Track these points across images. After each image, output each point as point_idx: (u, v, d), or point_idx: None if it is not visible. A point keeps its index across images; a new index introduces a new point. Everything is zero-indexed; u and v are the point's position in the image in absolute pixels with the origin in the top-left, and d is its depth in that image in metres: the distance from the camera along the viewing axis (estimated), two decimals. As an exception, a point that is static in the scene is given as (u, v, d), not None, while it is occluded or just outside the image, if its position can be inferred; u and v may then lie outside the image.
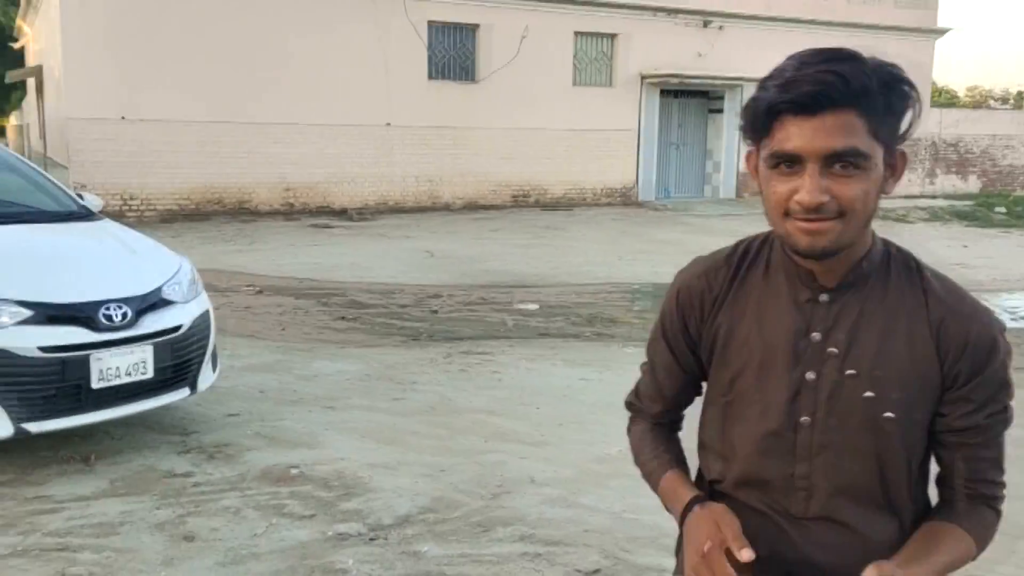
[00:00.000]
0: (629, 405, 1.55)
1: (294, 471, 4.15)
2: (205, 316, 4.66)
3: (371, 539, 3.45)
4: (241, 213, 15.74)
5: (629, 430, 1.54)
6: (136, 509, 3.64)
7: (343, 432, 4.76)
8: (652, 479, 1.44)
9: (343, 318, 7.93)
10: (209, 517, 3.59)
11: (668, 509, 1.41)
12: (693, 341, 1.39)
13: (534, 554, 3.36)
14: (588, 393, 5.70)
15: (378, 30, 16.52)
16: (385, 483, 4.03)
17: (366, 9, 16.37)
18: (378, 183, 17.11)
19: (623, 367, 6.33)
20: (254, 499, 3.80)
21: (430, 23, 17.14)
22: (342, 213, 16.37)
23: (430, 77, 17.40)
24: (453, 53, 17.77)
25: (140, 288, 4.28)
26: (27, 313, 3.82)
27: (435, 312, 8.29)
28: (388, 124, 16.94)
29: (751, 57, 19.07)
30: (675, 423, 1.52)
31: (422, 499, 3.87)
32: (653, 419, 1.50)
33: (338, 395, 5.47)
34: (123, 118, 14.41)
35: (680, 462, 1.45)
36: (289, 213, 16.16)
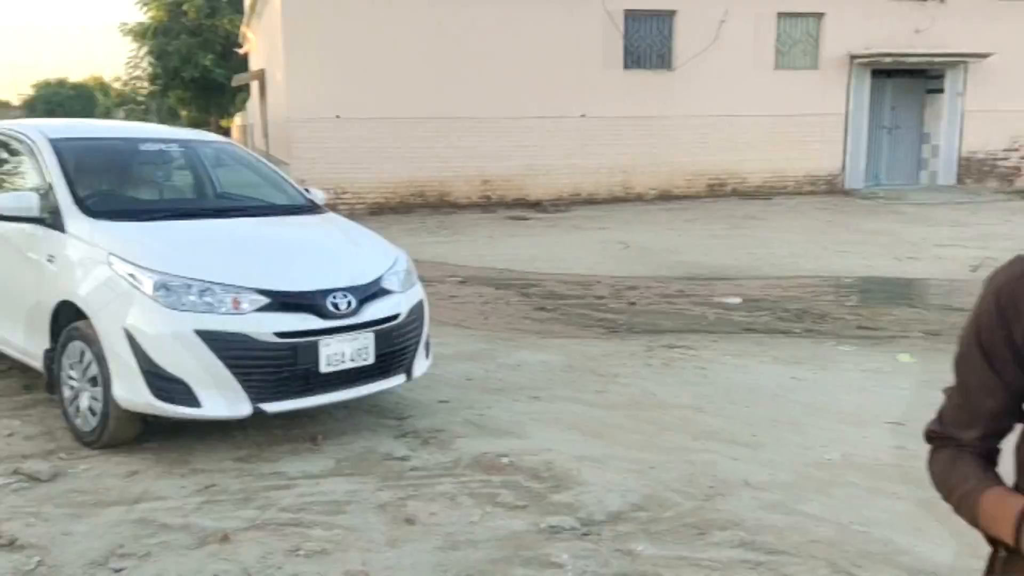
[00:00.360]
0: (931, 435, 1.36)
1: (504, 460, 4.19)
2: (420, 306, 4.82)
3: (584, 534, 3.42)
4: (442, 206, 16.31)
5: (930, 461, 1.35)
6: (360, 489, 3.80)
7: (549, 423, 4.77)
8: (968, 500, 1.25)
9: (543, 308, 7.99)
10: (427, 501, 3.69)
11: (987, 528, 1.23)
12: (1021, 352, 1.21)
13: (755, 562, 3.19)
14: (801, 393, 5.40)
15: (574, 21, 16.55)
16: (594, 477, 3.99)
17: (562, 1, 16.44)
18: (572, 174, 17.17)
19: (838, 366, 5.96)
20: (468, 486, 3.88)
21: (626, 12, 16.96)
22: (537, 205, 16.57)
23: (625, 67, 17.24)
24: (649, 41, 17.49)
25: (362, 278, 4.47)
26: (264, 301, 4.08)
27: (633, 304, 8.18)
28: (583, 116, 16.94)
29: (975, 32, 17.47)
30: (991, 454, 1.31)
31: (633, 496, 3.79)
32: (964, 448, 1.31)
33: (542, 385, 5.50)
34: (337, 117, 15.32)
35: (1003, 485, 1.25)
36: (486, 206, 16.56)
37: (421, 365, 4.83)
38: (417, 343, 4.75)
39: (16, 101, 51.10)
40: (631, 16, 17.09)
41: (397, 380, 4.62)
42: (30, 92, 53.66)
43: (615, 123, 17.16)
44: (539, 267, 10.22)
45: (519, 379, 5.65)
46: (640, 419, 4.88)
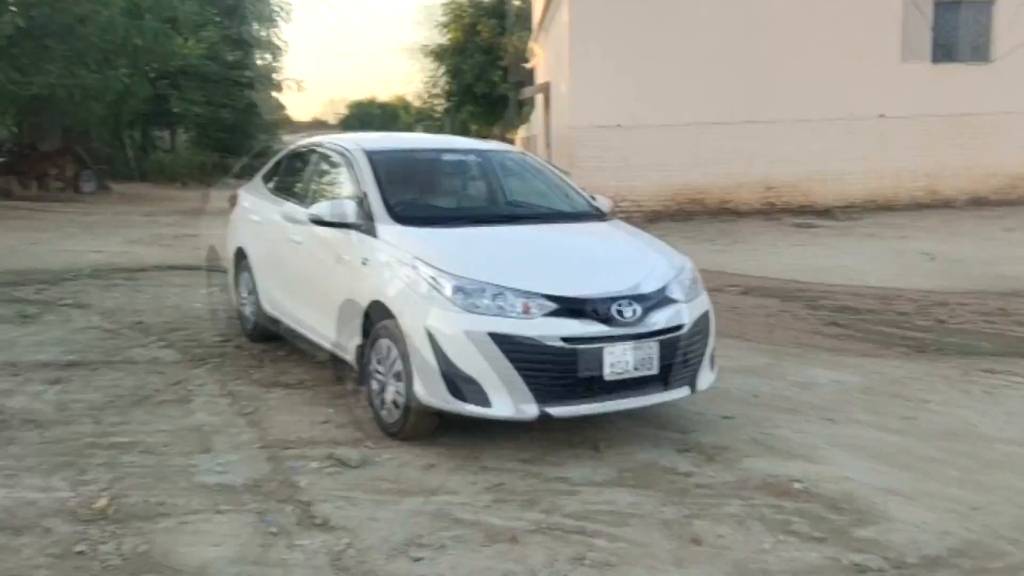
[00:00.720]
0: None
1: (797, 485, 3.91)
2: (705, 316, 4.64)
3: (894, 577, 3.07)
4: (721, 213, 15.86)
5: None
6: (643, 502, 3.71)
7: (846, 449, 4.39)
8: None
9: (834, 323, 7.43)
10: (714, 522, 3.52)
11: None
12: None
13: (1117, 636, 2.68)
14: None
15: (873, 14, 15.36)
16: (903, 513, 3.59)
17: (860, -7, 15.37)
18: (866, 179, 15.95)
19: None
20: (757, 510, 3.65)
21: (936, 2, 15.46)
22: (826, 212, 15.58)
23: (934, 60, 15.71)
24: (962, 31, 15.79)
25: (648, 286, 4.39)
26: (552, 306, 4.12)
27: (942, 322, 7.36)
28: (881, 115, 15.67)
29: None
30: None
31: (952, 539, 3.36)
32: None
33: (837, 407, 5.09)
34: (618, 125, 15.43)
35: None
36: (769, 212, 15.86)
37: (706, 378, 4.65)
38: (702, 355, 4.58)
39: (332, 120, 57.31)
40: (941, 5, 15.55)
41: (681, 392, 4.47)
42: (344, 111, 60.03)
43: (919, 122, 15.69)
44: (829, 278, 9.55)
45: (810, 398, 5.27)
46: (957, 452, 4.33)
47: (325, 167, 5.75)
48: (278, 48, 35.10)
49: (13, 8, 16.99)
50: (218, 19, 29.70)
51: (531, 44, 25.63)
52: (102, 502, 3.65)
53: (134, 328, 7.14)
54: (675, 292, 4.52)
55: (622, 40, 15.34)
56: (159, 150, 32.04)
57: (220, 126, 30.96)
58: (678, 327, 4.38)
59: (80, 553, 3.21)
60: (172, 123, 31.50)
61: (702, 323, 4.59)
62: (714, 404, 5.08)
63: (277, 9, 34.12)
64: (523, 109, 29.97)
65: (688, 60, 15.36)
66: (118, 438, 4.48)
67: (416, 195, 5.34)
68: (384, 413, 4.53)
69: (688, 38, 15.38)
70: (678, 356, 4.37)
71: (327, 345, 5.30)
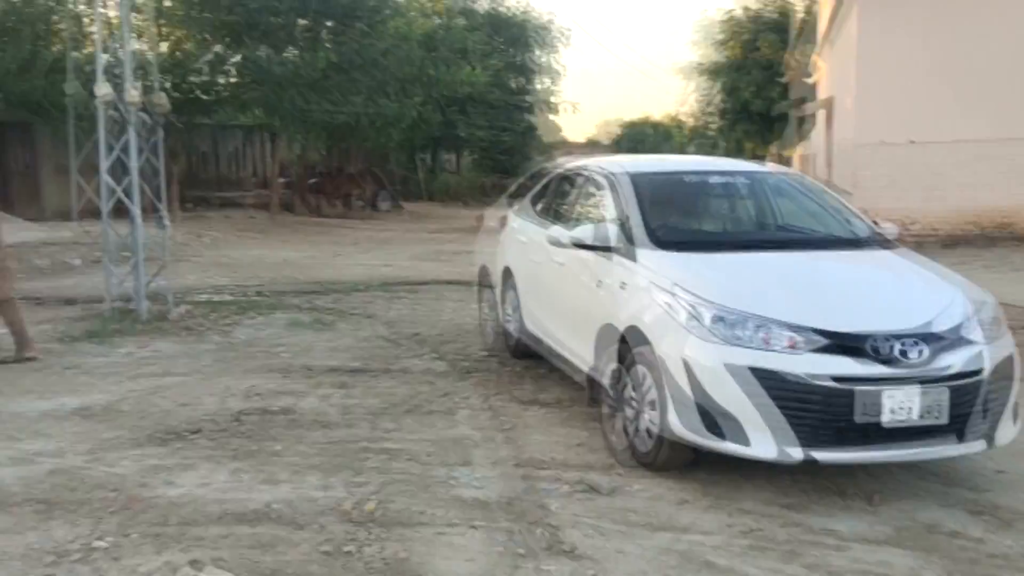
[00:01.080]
0: None
1: (1124, 570, 3.28)
2: (1009, 360, 4.08)
3: None
4: (1035, 239, 13.98)
5: None
6: (924, 568, 3.30)
7: None
8: None
9: None
10: (1012, 603, 3.05)
11: None
12: None
13: None
14: None
15: None
16: None
17: None
18: None
19: None
20: (1069, 594, 3.10)
21: None
22: None
23: None
24: None
25: (939, 324, 3.93)
26: (823, 341, 3.81)
27: None
28: None
29: None
30: None
31: None
32: None
33: None
34: (911, 142, 14.14)
35: None
36: (1100, 240, 13.72)
37: (1007, 431, 4.07)
38: (1004, 404, 4.02)
39: (605, 140, 58.19)
40: None
41: (975, 446, 3.95)
42: (617, 131, 60.84)
43: None
44: None
45: None
46: None
47: (589, 190, 5.79)
48: (556, 72, 36.33)
49: (328, 45, 19.11)
50: (503, 47, 31.37)
51: (814, 58, 24.33)
52: (371, 505, 3.91)
53: (411, 339, 7.65)
54: (972, 332, 4.02)
55: (918, 52, 14.06)
56: (446, 172, 34.43)
57: (501, 148, 32.67)
58: (975, 372, 3.88)
59: (348, 553, 3.45)
60: (458, 146, 33.71)
61: (1005, 368, 4.03)
62: (1018, 461, 4.43)
63: (557, 35, 35.39)
64: (802, 126, 28.52)
65: (995, 67, 13.73)
66: (389, 444, 4.79)
67: (679, 219, 5.21)
68: (637, 441, 4.43)
69: (997, 42, 13.75)
70: (974, 405, 3.87)
71: (584, 367, 5.31)
